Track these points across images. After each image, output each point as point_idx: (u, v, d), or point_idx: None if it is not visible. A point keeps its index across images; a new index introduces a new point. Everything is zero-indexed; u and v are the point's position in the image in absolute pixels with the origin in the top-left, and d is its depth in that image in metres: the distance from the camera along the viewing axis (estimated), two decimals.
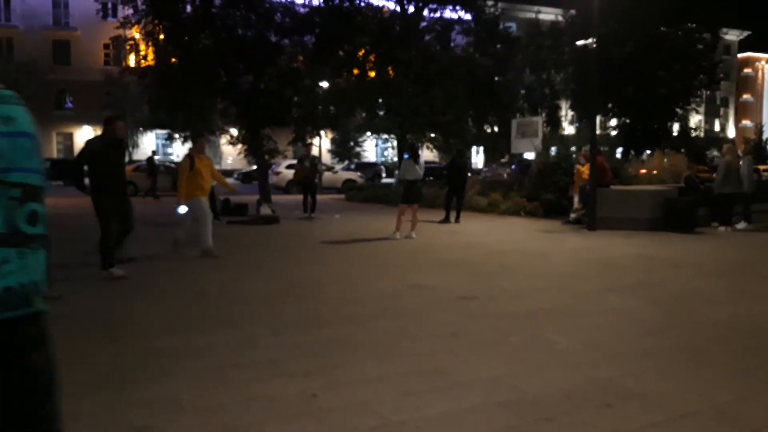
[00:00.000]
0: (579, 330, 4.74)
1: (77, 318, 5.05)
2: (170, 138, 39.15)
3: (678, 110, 34.38)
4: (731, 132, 64.14)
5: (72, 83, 41.70)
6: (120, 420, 3.05)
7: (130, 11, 17.59)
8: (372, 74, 23.15)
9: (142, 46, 18.79)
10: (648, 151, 24.91)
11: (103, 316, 5.12)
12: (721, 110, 65.50)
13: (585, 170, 12.43)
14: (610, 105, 32.15)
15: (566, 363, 3.96)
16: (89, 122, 41.72)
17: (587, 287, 6.40)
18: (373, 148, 47.35)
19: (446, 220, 12.97)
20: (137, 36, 18.64)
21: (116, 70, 33.30)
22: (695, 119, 47.41)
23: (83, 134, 42.85)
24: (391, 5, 23.88)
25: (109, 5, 21.04)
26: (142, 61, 18.93)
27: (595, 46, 12.38)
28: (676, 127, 36.95)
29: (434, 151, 31.76)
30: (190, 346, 4.28)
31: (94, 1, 20.85)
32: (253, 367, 3.83)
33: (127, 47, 20.22)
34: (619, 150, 31.57)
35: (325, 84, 24.09)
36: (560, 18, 38.49)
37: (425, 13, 25.10)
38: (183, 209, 8.24)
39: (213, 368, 3.80)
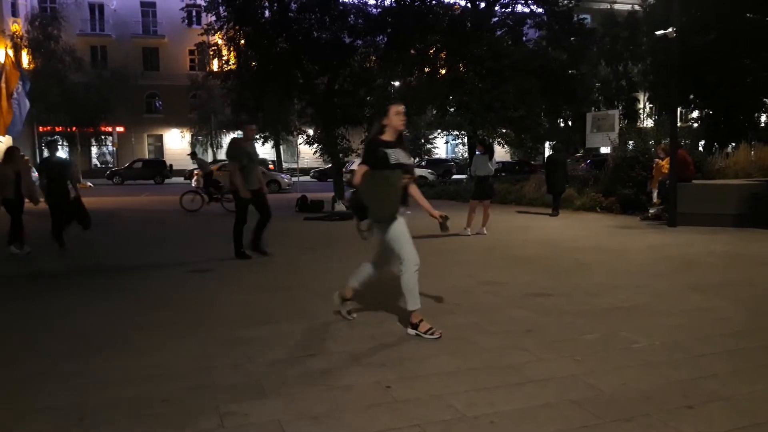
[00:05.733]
0: (659, 329, 4.60)
1: (169, 307, 5.39)
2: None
3: (766, 100, 32.26)
4: None
5: (161, 88, 43.95)
6: (207, 404, 3.23)
7: (213, 18, 18.44)
8: (443, 71, 23.10)
9: (225, 51, 19.64)
10: (733, 144, 23.57)
11: (191, 306, 5.43)
12: None
13: (665, 164, 11.95)
14: (691, 96, 30.61)
15: (645, 363, 3.86)
16: (177, 125, 43.77)
17: (668, 285, 6.18)
18: (443, 145, 47.18)
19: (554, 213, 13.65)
20: (220, 41, 19.50)
21: (201, 74, 34.93)
22: None
23: (171, 136, 45.10)
24: (462, 2, 23.72)
25: (194, 13, 22.06)
26: (225, 65, 19.76)
27: (675, 35, 11.82)
28: (763, 118, 34.71)
29: (505, 147, 31.31)
30: (272, 335, 4.47)
31: (179, 10, 21.94)
32: (330, 358, 3.97)
33: (211, 52, 21.15)
34: (702, 143, 30.02)
35: (396, 83, 24.23)
36: (637, 8, 36.96)
37: (496, 8, 24.79)
38: None
39: (292, 357, 3.97)
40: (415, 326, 4.45)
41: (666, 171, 11.70)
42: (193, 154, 18.40)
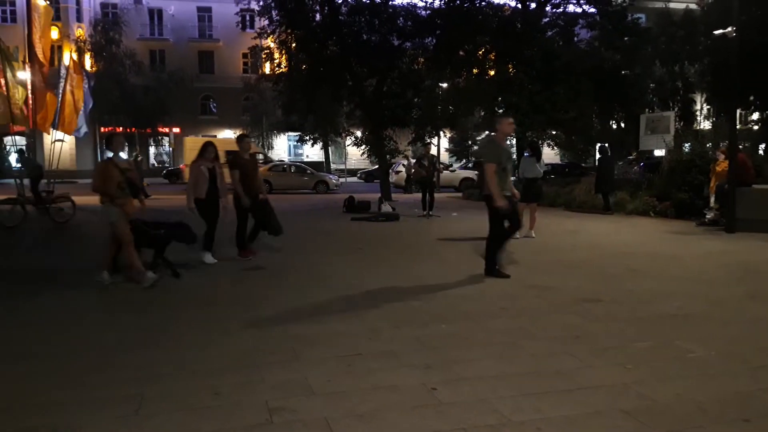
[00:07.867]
0: (715, 339, 4.45)
1: (222, 304, 5.56)
2: (301, 140, 41.12)
3: None
4: None
5: (215, 90, 45.11)
6: (257, 399, 3.32)
7: (266, 22, 18.88)
8: (492, 73, 22.88)
9: (276, 54, 20.11)
10: None
11: (244, 303, 5.57)
12: None
13: (722, 164, 11.54)
14: (751, 98, 29.41)
15: (700, 373, 3.74)
16: (230, 126, 44.83)
17: (725, 294, 5.96)
18: None
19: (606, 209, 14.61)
20: (272, 45, 19.94)
21: (253, 77, 35.69)
22: None
23: (225, 137, 46.13)
24: (512, 2, 23.45)
25: (248, 17, 22.69)
26: (276, 68, 20.20)
27: (734, 34, 11.40)
28: None
29: (555, 148, 30.80)
30: (319, 334, 4.54)
31: (234, 14, 22.64)
32: (376, 358, 4.00)
33: (263, 56, 21.66)
34: (762, 146, 28.78)
35: (444, 84, 24.15)
36: (694, 6, 35.72)
37: (547, 8, 24.40)
38: None
39: (339, 356, 4.02)
40: None
41: (725, 175, 11.30)
42: (20, 152, 14.44)
